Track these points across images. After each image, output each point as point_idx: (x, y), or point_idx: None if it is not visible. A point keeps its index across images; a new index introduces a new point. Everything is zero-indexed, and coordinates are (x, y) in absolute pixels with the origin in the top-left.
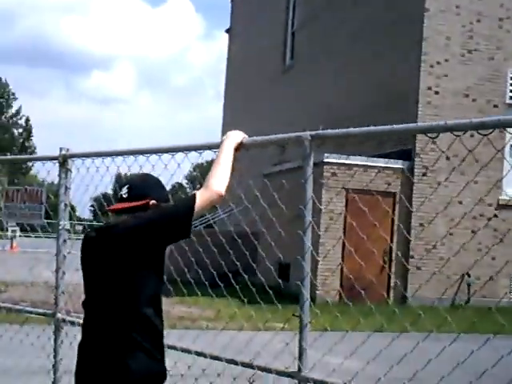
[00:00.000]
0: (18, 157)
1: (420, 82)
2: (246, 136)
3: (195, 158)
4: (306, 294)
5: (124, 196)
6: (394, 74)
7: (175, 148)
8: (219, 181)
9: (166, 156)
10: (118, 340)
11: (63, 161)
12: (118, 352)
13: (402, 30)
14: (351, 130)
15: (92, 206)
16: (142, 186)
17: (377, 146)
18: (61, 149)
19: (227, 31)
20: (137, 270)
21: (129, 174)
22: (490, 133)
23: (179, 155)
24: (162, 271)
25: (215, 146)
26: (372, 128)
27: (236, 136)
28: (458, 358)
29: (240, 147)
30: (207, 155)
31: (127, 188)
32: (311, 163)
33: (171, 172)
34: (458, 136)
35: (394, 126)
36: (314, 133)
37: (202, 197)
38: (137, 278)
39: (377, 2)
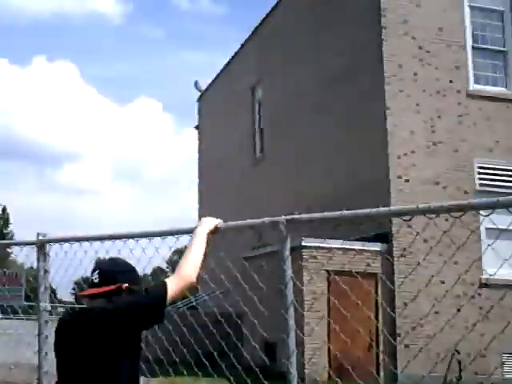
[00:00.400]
0: None
1: (389, 171)
2: (221, 221)
3: (174, 242)
4: (293, 371)
5: (95, 281)
6: (362, 164)
7: (152, 233)
8: (190, 268)
9: (143, 241)
10: None
11: (41, 245)
12: None
13: (367, 127)
14: (326, 213)
15: (73, 288)
16: (112, 271)
17: (353, 229)
18: (38, 234)
19: (196, 127)
20: (112, 356)
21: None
22: (461, 215)
23: (157, 240)
24: (137, 357)
25: (191, 231)
26: (346, 212)
27: (209, 222)
28: None
29: (216, 231)
30: (185, 240)
31: (98, 273)
32: (288, 246)
33: (149, 256)
34: (431, 218)
35: (369, 209)
36: (289, 217)
37: (173, 284)
38: (112, 365)
39: (340, 105)
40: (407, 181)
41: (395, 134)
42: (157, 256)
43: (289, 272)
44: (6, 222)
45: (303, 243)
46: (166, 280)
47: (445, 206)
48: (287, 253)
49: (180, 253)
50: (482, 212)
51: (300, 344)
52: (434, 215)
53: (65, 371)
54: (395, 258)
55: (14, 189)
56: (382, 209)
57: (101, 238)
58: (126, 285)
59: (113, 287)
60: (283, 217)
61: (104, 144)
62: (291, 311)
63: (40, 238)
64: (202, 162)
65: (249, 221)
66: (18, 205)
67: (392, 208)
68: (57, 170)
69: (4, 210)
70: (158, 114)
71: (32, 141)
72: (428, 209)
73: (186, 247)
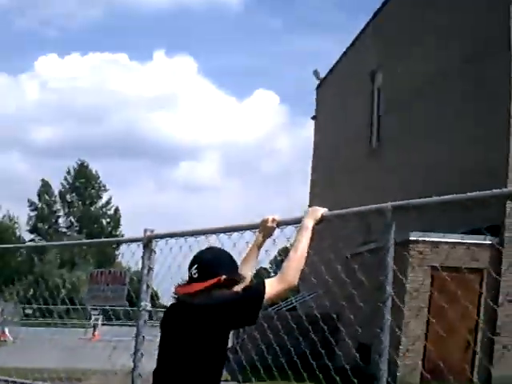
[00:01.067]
0: (105, 240)
1: (509, 157)
2: (326, 209)
3: (281, 240)
4: (383, 366)
5: (194, 276)
6: (479, 151)
7: (256, 225)
8: (293, 271)
9: (248, 234)
10: None
11: (148, 242)
12: None
13: (488, 109)
14: (432, 198)
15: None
16: (212, 264)
17: (461, 221)
18: (145, 230)
19: (313, 118)
20: (205, 349)
21: None
22: None
23: None
24: (224, 355)
25: (297, 222)
26: (456, 196)
27: (316, 212)
28: None
29: (322, 221)
30: (289, 231)
31: (196, 268)
32: (392, 234)
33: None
34: None
35: (476, 192)
36: (395, 203)
37: (273, 286)
38: (202, 358)
39: (464, 85)
40: None
41: None
42: (263, 254)
43: (390, 262)
44: (117, 223)
45: (411, 237)
46: (267, 280)
47: None
48: (391, 241)
49: (285, 252)
50: None
51: (395, 344)
52: None
53: (163, 357)
54: (504, 253)
55: (129, 189)
56: (491, 191)
57: (206, 232)
58: (225, 277)
59: (212, 282)
60: (390, 203)
61: (220, 139)
62: (389, 304)
63: (147, 233)
64: (317, 154)
65: (354, 208)
66: (132, 205)
67: (505, 189)
68: (173, 168)
69: (117, 210)
70: (275, 106)
71: (149, 138)
72: None
73: (291, 244)
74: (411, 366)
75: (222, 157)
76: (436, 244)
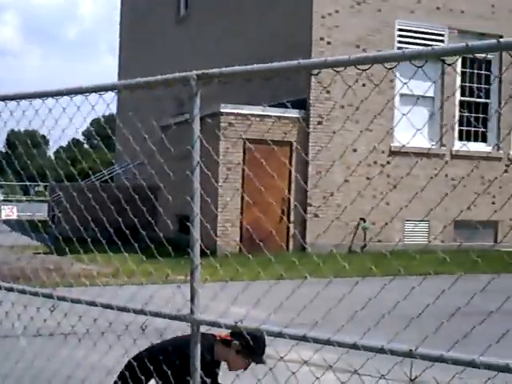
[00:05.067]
0: None
1: (312, 32)
2: None
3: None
4: (196, 234)
5: None
6: (287, 25)
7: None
8: None
9: (65, 99)
10: None
11: None
12: None
13: None
14: (237, 68)
15: None
16: None
17: (272, 96)
18: None
19: None
20: None
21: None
22: (368, 68)
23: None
24: None
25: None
26: (257, 66)
27: None
28: (357, 300)
29: None
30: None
31: None
32: (198, 103)
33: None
34: (338, 72)
35: (280, 63)
36: (199, 72)
37: None
38: None
39: None
40: (329, 43)
41: None
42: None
43: (197, 131)
44: None
45: (222, 109)
46: None
47: (351, 60)
48: (197, 110)
49: (98, 124)
50: (387, 65)
51: (213, 218)
52: (342, 68)
53: None
54: (311, 126)
55: None
56: (292, 62)
57: (5, 98)
58: None
59: None
60: (194, 72)
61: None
62: (197, 173)
63: None
64: (123, 22)
65: (159, 77)
66: None
67: (301, 61)
68: None
69: None
70: None
71: None
72: (335, 62)
73: (106, 117)
74: (230, 236)
75: (23, 19)
76: (246, 116)
